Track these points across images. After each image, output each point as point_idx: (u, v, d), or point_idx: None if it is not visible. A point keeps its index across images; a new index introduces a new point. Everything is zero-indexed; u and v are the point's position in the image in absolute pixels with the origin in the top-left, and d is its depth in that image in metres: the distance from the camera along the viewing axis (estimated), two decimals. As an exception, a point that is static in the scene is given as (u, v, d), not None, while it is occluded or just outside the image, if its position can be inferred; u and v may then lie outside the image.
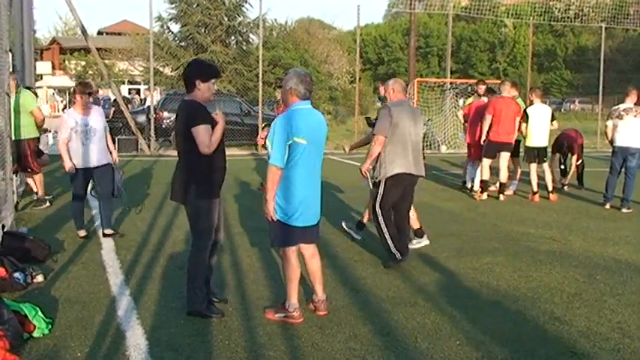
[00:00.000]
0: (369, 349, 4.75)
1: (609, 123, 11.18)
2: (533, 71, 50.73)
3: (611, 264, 7.37)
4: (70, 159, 7.86)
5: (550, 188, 11.96)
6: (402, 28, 69.85)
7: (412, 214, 7.75)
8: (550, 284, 6.49)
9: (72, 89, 8.55)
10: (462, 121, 13.66)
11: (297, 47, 40.50)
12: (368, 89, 50.53)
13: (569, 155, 13.50)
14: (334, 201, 11.05)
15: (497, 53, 68.50)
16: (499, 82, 15.13)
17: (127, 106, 20.81)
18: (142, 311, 5.47)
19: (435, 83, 25.99)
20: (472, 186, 12.65)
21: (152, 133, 20.47)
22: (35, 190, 10.88)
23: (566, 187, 13.19)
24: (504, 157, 11.61)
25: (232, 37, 34.60)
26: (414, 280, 6.58)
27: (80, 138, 7.85)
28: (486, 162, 11.58)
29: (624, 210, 10.77)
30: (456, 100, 22.54)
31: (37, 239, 7.19)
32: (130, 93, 34.08)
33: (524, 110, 11.85)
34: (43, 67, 55.12)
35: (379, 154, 7.00)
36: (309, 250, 5.45)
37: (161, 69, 33.34)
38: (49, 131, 19.41)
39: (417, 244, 7.85)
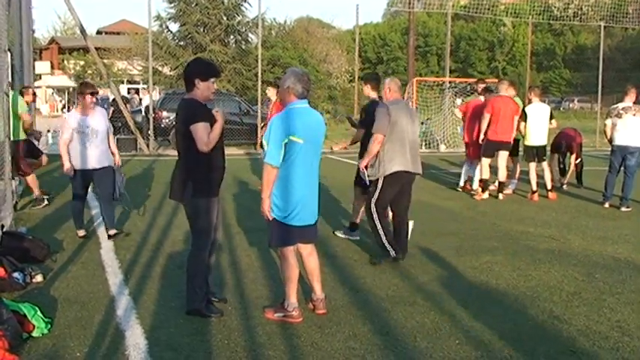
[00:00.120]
0: (369, 348, 4.75)
1: (608, 122, 11.18)
2: (533, 70, 50.79)
3: (611, 263, 7.37)
4: (70, 160, 7.82)
5: (549, 187, 11.97)
6: (401, 27, 69.81)
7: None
8: (549, 283, 6.50)
9: (76, 90, 8.48)
10: (461, 116, 13.64)
11: (296, 46, 40.54)
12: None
13: (568, 154, 13.51)
14: (332, 200, 11.05)
15: (496, 52, 68.47)
16: (497, 81, 15.14)
17: (125, 106, 20.80)
18: (141, 311, 5.46)
19: (434, 82, 25.99)
20: (465, 185, 12.66)
21: (151, 132, 20.47)
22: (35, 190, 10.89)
23: (565, 186, 13.19)
24: (503, 156, 11.61)
25: (231, 37, 34.66)
26: (413, 279, 6.58)
27: (81, 139, 7.80)
28: (486, 161, 11.58)
29: (623, 209, 10.77)
30: (454, 100, 22.54)
31: (36, 239, 7.19)
32: (129, 92, 34.06)
33: (523, 109, 11.85)
34: (42, 66, 55.06)
35: (377, 152, 7.01)
36: (307, 249, 5.45)
37: (160, 68, 33.37)
38: (49, 131, 19.50)
39: (342, 234, 8.27)
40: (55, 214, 9.64)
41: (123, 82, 45.89)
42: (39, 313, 4.96)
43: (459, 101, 21.13)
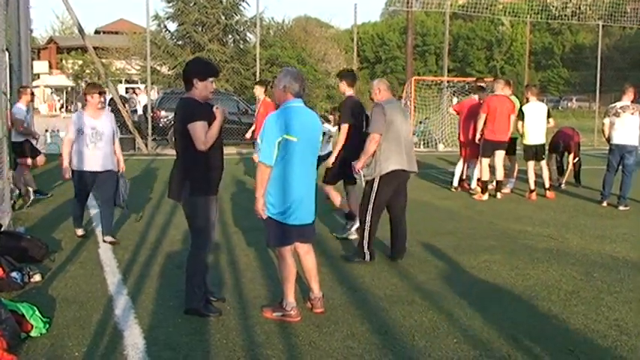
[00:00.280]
0: (367, 347, 4.75)
1: (606, 121, 11.19)
2: (531, 69, 50.84)
3: (609, 261, 7.38)
4: (70, 162, 7.70)
5: (547, 185, 11.98)
6: (399, 27, 69.82)
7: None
8: (547, 282, 6.50)
9: (83, 91, 8.34)
10: (456, 113, 13.63)
11: (295, 46, 40.51)
12: (365, 88, 50.47)
13: (566, 154, 13.52)
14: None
15: (494, 51, 68.55)
16: (491, 79, 15.14)
17: (124, 106, 20.79)
18: (139, 310, 5.46)
19: (432, 82, 25.98)
20: (462, 184, 12.67)
21: (149, 132, 20.46)
22: (32, 189, 10.89)
23: (563, 185, 13.21)
24: (499, 155, 11.61)
25: (229, 36, 34.64)
26: (412, 278, 6.59)
27: (86, 140, 7.66)
28: (485, 161, 11.57)
29: (621, 207, 10.78)
30: (452, 99, 22.55)
31: (34, 239, 7.18)
32: (127, 92, 34.07)
33: (520, 108, 11.86)
34: (40, 66, 55.00)
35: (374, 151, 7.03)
36: (304, 248, 5.45)
37: (158, 68, 33.33)
38: (47, 131, 19.48)
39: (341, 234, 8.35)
40: (54, 214, 9.64)
41: (121, 82, 45.84)
42: (37, 312, 4.95)
43: (456, 100, 21.14)
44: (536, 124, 11.72)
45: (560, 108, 55.65)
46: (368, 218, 7.05)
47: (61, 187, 12.13)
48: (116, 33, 53.93)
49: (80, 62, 52.07)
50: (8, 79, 9.32)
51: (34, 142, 11.46)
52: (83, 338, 4.83)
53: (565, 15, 44.76)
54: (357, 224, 8.05)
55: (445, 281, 6.49)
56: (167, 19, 33.92)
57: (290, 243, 5.30)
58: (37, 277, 6.20)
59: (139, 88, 33.70)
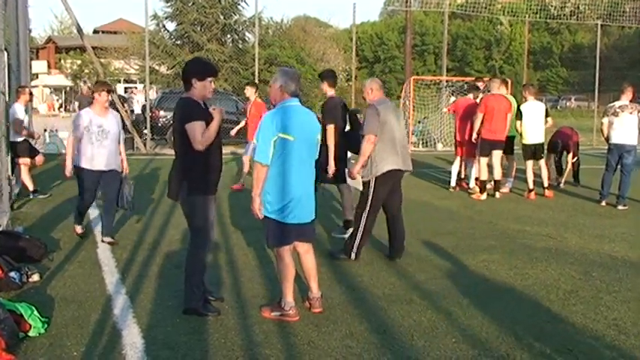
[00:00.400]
0: (366, 347, 4.75)
1: (605, 120, 11.19)
2: (529, 69, 50.84)
3: (607, 261, 7.38)
4: (73, 160, 7.64)
5: (546, 185, 11.99)
6: (398, 26, 69.86)
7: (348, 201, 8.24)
8: (546, 281, 6.50)
9: (91, 89, 8.29)
10: (452, 113, 13.63)
11: (293, 45, 40.53)
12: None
13: (565, 153, 13.53)
14: (329, 199, 11.04)
15: (493, 51, 68.58)
16: (488, 79, 15.13)
17: (123, 105, 20.79)
18: (138, 310, 5.46)
19: (431, 81, 25.99)
20: (460, 183, 12.69)
21: (148, 131, 20.45)
22: (31, 189, 10.89)
23: (562, 185, 13.21)
24: (497, 155, 11.63)
25: (228, 36, 34.59)
26: (410, 277, 6.58)
27: (91, 138, 7.59)
28: (483, 161, 11.58)
29: (620, 207, 10.78)
30: (450, 99, 22.55)
31: (32, 238, 7.17)
32: (126, 92, 34.07)
33: (518, 108, 11.88)
34: (39, 66, 55.06)
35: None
36: (304, 247, 5.45)
37: (157, 67, 33.29)
38: (45, 130, 19.47)
39: (338, 234, 8.35)
40: (52, 214, 9.63)
41: (120, 82, 45.82)
42: (36, 312, 4.95)
43: (453, 100, 21.16)
44: (535, 124, 11.73)
45: (558, 107, 55.71)
46: (364, 218, 7.06)
47: (59, 186, 12.13)
48: (115, 33, 53.97)
49: (79, 62, 52.13)
50: (7, 79, 9.29)
51: (32, 141, 11.45)
52: (82, 338, 4.82)
53: (564, 14, 44.76)
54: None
55: (444, 281, 6.49)
56: (166, 18, 33.88)
57: (289, 242, 5.30)
58: (35, 277, 6.20)
59: (135, 87, 33.69)
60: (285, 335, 4.95)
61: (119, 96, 22.39)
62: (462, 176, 12.88)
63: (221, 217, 9.12)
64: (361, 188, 7.22)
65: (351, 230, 8.23)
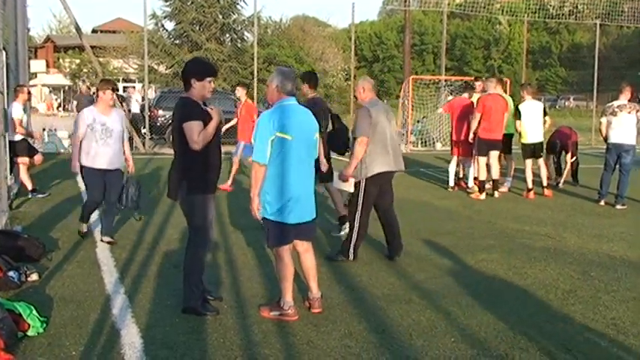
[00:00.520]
0: (365, 346, 4.75)
1: (603, 120, 11.20)
2: (528, 68, 50.89)
3: (606, 260, 7.38)
4: (79, 159, 7.56)
5: (545, 184, 12.00)
6: (396, 26, 69.90)
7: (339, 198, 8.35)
8: (545, 281, 6.51)
9: (96, 87, 8.22)
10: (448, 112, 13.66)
11: (292, 45, 40.55)
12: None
13: (563, 153, 13.53)
14: (325, 199, 11.03)
15: (491, 50, 68.62)
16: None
17: (122, 104, 20.77)
18: (136, 309, 5.46)
19: (430, 80, 25.98)
20: (459, 182, 12.70)
21: (147, 130, 20.43)
22: (30, 188, 10.88)
23: (561, 184, 13.22)
24: (494, 155, 11.64)
25: (227, 35, 34.63)
26: (409, 277, 6.58)
27: (95, 136, 7.51)
28: (482, 160, 11.58)
29: (618, 207, 10.79)
30: (447, 98, 22.56)
31: (31, 238, 7.16)
32: (125, 91, 34.04)
33: (517, 107, 11.89)
34: (38, 65, 55.01)
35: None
36: (303, 246, 5.45)
37: (155, 67, 33.31)
38: (44, 129, 19.46)
39: (337, 233, 8.39)
40: (51, 213, 9.63)
41: (118, 81, 45.80)
42: (34, 312, 4.94)
43: (450, 98, 21.17)
44: (534, 123, 11.74)
45: (557, 107, 55.72)
46: (357, 219, 7.07)
47: (58, 186, 12.14)
48: (113, 32, 53.99)
49: (77, 61, 52.08)
50: (5, 78, 9.28)
51: (31, 141, 11.45)
52: (80, 337, 4.82)
53: (562, 14, 44.81)
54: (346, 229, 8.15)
55: (443, 280, 6.49)
56: (164, 18, 33.93)
57: (288, 242, 5.29)
58: (34, 277, 6.19)
59: (133, 87, 33.67)
60: (284, 335, 4.95)
61: (118, 95, 22.36)
62: (461, 176, 12.89)
63: (220, 217, 9.12)
64: (351, 190, 7.21)
65: (347, 225, 8.25)
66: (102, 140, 7.55)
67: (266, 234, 5.37)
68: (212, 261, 6.84)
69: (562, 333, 5.09)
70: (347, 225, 8.18)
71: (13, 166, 10.68)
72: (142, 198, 8.01)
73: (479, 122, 11.44)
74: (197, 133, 5.13)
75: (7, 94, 9.71)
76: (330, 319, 5.28)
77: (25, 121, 11.19)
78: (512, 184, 12.66)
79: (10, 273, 5.98)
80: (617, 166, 11.03)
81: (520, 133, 11.89)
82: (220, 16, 33.41)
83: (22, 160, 10.81)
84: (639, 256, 7.60)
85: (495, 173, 11.74)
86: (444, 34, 25.89)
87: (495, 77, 13.13)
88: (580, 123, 26.73)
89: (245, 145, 12.15)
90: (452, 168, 12.70)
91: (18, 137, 10.61)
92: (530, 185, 11.78)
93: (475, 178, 12.00)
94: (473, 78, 15.78)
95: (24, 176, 10.90)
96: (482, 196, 11.58)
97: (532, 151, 11.83)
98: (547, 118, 12.10)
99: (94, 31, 64.06)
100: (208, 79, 5.31)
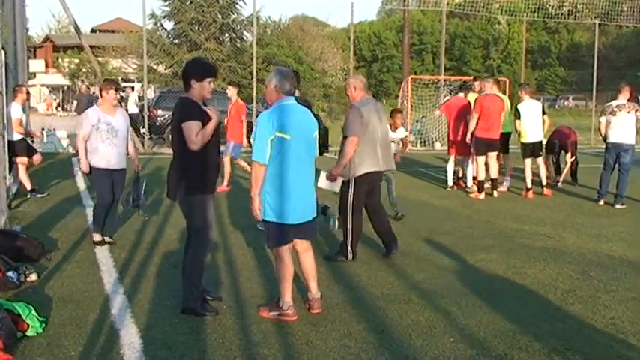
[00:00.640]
0: (364, 346, 4.75)
1: (602, 119, 11.20)
2: (527, 68, 50.90)
3: (605, 260, 7.39)
4: (87, 158, 7.50)
5: (544, 183, 12.01)
6: (396, 25, 69.89)
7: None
8: (544, 281, 6.51)
9: (99, 86, 8.13)
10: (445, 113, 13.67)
11: (291, 44, 40.51)
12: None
13: (562, 153, 13.53)
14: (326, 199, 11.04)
15: (491, 50, 68.59)
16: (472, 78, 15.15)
17: (120, 104, 20.77)
18: (135, 309, 5.45)
19: (429, 80, 25.99)
20: (458, 182, 12.71)
21: (146, 130, 20.42)
22: (29, 188, 10.87)
23: (560, 184, 13.22)
24: (492, 156, 11.65)
25: (226, 35, 34.61)
26: (409, 277, 6.58)
27: (101, 136, 7.45)
28: (481, 160, 11.59)
29: (617, 206, 10.79)
30: (445, 98, 22.57)
31: (30, 238, 7.16)
32: (123, 91, 34.01)
33: (516, 107, 11.90)
34: (37, 65, 54.97)
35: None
36: (302, 245, 5.44)
37: (155, 66, 33.29)
38: (43, 129, 19.45)
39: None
40: (50, 213, 9.62)
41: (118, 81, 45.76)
42: (33, 312, 4.94)
43: (447, 98, 21.18)
44: (533, 122, 11.74)
45: (556, 107, 55.70)
46: (350, 218, 7.08)
47: (57, 186, 12.14)
48: (112, 32, 53.94)
49: (76, 61, 52.05)
50: (4, 78, 9.28)
51: (30, 140, 11.44)
52: (79, 337, 4.82)
53: (561, 14, 44.84)
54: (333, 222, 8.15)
55: (442, 280, 6.49)
56: (163, 17, 33.88)
57: (288, 242, 5.29)
58: (33, 277, 6.19)
59: (132, 87, 33.64)
60: (283, 335, 4.95)
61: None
62: (460, 175, 12.89)
63: (219, 217, 9.11)
64: (337, 190, 7.20)
65: (334, 215, 8.23)
66: (108, 140, 7.49)
67: (266, 234, 5.37)
68: (211, 261, 6.84)
69: (561, 332, 5.10)
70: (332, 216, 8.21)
71: (12, 166, 10.67)
72: (146, 196, 7.92)
73: (476, 122, 11.45)
74: (195, 134, 5.13)
75: (6, 93, 9.70)
76: (329, 319, 5.28)
77: (24, 121, 11.18)
78: (511, 183, 12.66)
79: (9, 273, 5.98)
80: (617, 165, 11.03)
81: (519, 133, 11.89)
82: (219, 16, 33.38)
83: (21, 160, 10.81)
84: (638, 256, 7.60)
85: (494, 173, 11.75)
86: (443, 33, 25.88)
87: (492, 77, 13.15)
88: (579, 122, 26.76)
89: (235, 145, 12.11)
90: (450, 168, 12.72)
91: (17, 137, 10.60)
92: (529, 185, 11.78)
93: (474, 178, 12.01)
94: (472, 78, 15.78)
95: (23, 176, 10.90)
96: (482, 195, 11.58)
97: (531, 150, 11.83)
98: (545, 117, 12.11)
99: (93, 30, 64.04)
100: (208, 79, 5.31)
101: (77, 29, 20.23)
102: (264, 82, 5.50)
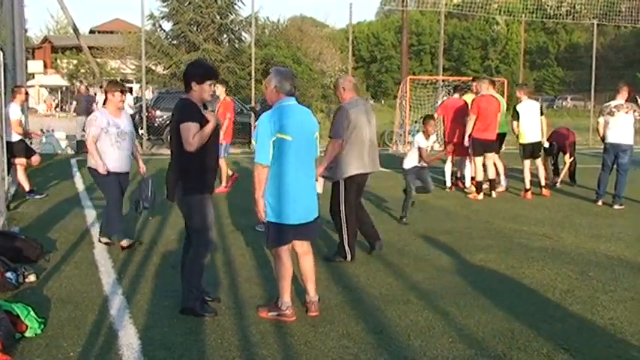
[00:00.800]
0: (362, 347, 4.75)
1: (601, 120, 11.20)
2: (526, 68, 50.89)
3: (604, 260, 7.39)
4: (94, 164, 7.39)
5: (543, 183, 12.02)
6: (394, 26, 69.85)
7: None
8: (543, 281, 6.51)
9: (104, 88, 8.03)
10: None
11: (290, 45, 40.48)
12: (361, 87, 50.32)
13: (561, 154, 13.54)
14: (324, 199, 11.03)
15: (489, 51, 68.60)
16: (471, 79, 15.16)
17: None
18: (134, 310, 5.45)
19: (427, 81, 25.98)
20: (456, 183, 12.71)
21: (145, 131, 20.42)
22: (27, 189, 10.87)
23: (558, 185, 13.23)
24: (490, 154, 11.67)
25: (224, 36, 34.58)
26: (407, 277, 6.59)
27: (110, 140, 7.31)
28: (479, 160, 11.61)
29: (616, 207, 10.80)
30: (444, 99, 22.57)
31: (29, 239, 7.16)
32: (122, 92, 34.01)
33: (515, 108, 11.92)
34: (35, 65, 54.92)
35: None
36: (303, 247, 5.44)
37: (153, 67, 33.26)
38: (42, 130, 19.43)
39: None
40: (48, 214, 9.62)
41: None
42: (32, 313, 4.94)
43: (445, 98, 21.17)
44: (531, 122, 11.75)
45: (555, 107, 55.68)
46: (343, 218, 7.09)
47: (56, 187, 12.13)
48: (111, 32, 53.93)
49: (75, 62, 52.03)
50: (3, 79, 9.28)
51: (28, 141, 11.43)
52: (78, 338, 4.82)
53: (560, 14, 44.84)
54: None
55: (441, 280, 6.50)
56: (162, 18, 33.84)
57: (287, 242, 5.28)
58: (31, 278, 6.19)
59: (129, 89, 33.60)
60: (281, 335, 4.95)
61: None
62: (458, 176, 12.90)
63: (219, 218, 9.11)
64: (320, 191, 7.19)
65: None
66: (117, 143, 7.40)
67: (265, 234, 5.37)
68: (210, 262, 6.80)
69: (560, 333, 5.10)
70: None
71: (11, 167, 10.67)
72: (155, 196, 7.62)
73: (474, 123, 11.48)
74: (193, 135, 5.13)
75: (5, 94, 9.70)
76: (328, 320, 5.28)
77: (22, 121, 11.18)
78: (510, 184, 12.67)
79: (8, 274, 5.98)
80: (615, 166, 11.03)
81: (518, 134, 11.91)
82: (218, 17, 33.36)
83: (20, 161, 10.80)
84: (637, 256, 7.61)
85: (492, 173, 11.77)
86: (441, 34, 25.90)
87: (487, 78, 13.20)
88: (578, 123, 26.74)
89: (226, 145, 12.05)
90: (447, 168, 12.76)
91: (15, 138, 10.59)
92: (527, 185, 11.79)
93: (472, 179, 12.02)
94: (471, 78, 15.80)
95: (21, 177, 10.89)
96: (480, 196, 11.59)
97: (531, 151, 11.84)
98: (543, 118, 12.12)
99: (91, 31, 64.04)
100: (208, 82, 5.32)
101: (75, 30, 20.26)
102: (264, 83, 5.49)
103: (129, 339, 4.83)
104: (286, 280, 5.28)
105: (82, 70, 50.33)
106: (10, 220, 8.85)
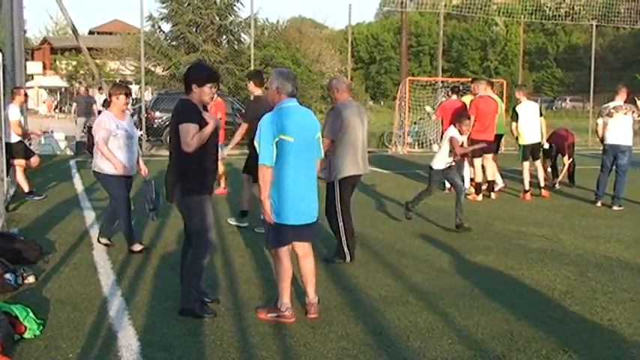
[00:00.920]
0: (362, 348, 4.75)
1: (600, 121, 11.21)
2: (525, 69, 50.88)
3: (603, 261, 7.39)
4: (99, 167, 7.30)
5: (542, 184, 12.02)
6: (393, 27, 69.87)
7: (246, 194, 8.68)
8: (542, 282, 6.51)
9: (109, 91, 7.95)
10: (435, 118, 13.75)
11: (289, 46, 40.56)
12: (360, 88, 50.44)
13: (560, 155, 13.54)
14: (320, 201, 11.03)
15: (488, 52, 68.59)
16: (470, 80, 15.17)
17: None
18: (133, 312, 5.45)
19: (426, 82, 25.99)
20: (452, 185, 12.72)
21: (144, 132, 20.41)
22: (27, 190, 10.86)
23: (557, 186, 13.23)
24: (488, 155, 11.68)
25: (224, 37, 34.65)
26: (406, 278, 6.59)
27: (119, 142, 7.25)
28: (477, 162, 11.61)
29: (615, 208, 10.80)
30: (441, 99, 22.59)
31: (28, 240, 7.15)
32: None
33: (514, 109, 11.93)
34: (34, 67, 54.94)
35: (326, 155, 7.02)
36: (303, 249, 5.43)
37: (152, 68, 33.30)
38: (44, 132, 19.43)
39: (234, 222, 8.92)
40: (48, 215, 9.61)
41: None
42: (31, 314, 4.94)
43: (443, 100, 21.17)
44: (531, 123, 11.75)
45: (554, 108, 55.74)
46: (340, 220, 7.09)
47: (55, 188, 12.13)
48: (110, 34, 54.00)
49: (74, 63, 52.09)
50: (2, 80, 9.28)
51: (27, 142, 11.42)
52: (77, 340, 4.81)
53: (559, 15, 44.89)
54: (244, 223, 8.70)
55: (440, 281, 6.49)
56: (161, 19, 33.91)
57: (287, 243, 5.28)
58: (30, 279, 6.18)
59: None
60: (281, 337, 4.95)
61: (106, 101, 22.31)
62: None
63: (217, 219, 9.11)
64: None
65: (245, 220, 8.73)
66: (125, 147, 7.35)
67: (265, 235, 5.37)
68: (209, 263, 6.80)
69: (559, 334, 5.10)
70: (244, 220, 8.69)
71: (10, 168, 10.66)
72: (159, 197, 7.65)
73: (472, 124, 11.49)
74: (191, 136, 5.14)
75: (4, 95, 9.70)
76: (327, 321, 5.28)
77: (22, 122, 11.17)
78: (509, 185, 12.67)
79: (7, 275, 5.97)
80: (614, 167, 11.04)
81: (517, 135, 11.91)
82: (217, 18, 33.41)
83: (19, 162, 10.79)
84: (636, 257, 7.61)
85: (490, 174, 11.77)
86: (440, 35, 25.91)
87: (484, 79, 13.23)
88: (576, 124, 26.76)
89: (220, 145, 12.04)
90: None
91: (15, 139, 10.59)
92: (527, 187, 11.79)
93: (471, 180, 12.02)
94: (470, 80, 15.80)
95: (20, 178, 10.88)
96: (479, 197, 11.59)
97: (530, 152, 11.85)
98: (542, 119, 12.12)
99: (90, 32, 64.07)
100: (209, 85, 5.33)
101: (75, 31, 20.24)
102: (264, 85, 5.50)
103: (128, 340, 4.82)
104: (286, 282, 5.28)
105: (81, 72, 50.41)
106: (9, 221, 8.84)
